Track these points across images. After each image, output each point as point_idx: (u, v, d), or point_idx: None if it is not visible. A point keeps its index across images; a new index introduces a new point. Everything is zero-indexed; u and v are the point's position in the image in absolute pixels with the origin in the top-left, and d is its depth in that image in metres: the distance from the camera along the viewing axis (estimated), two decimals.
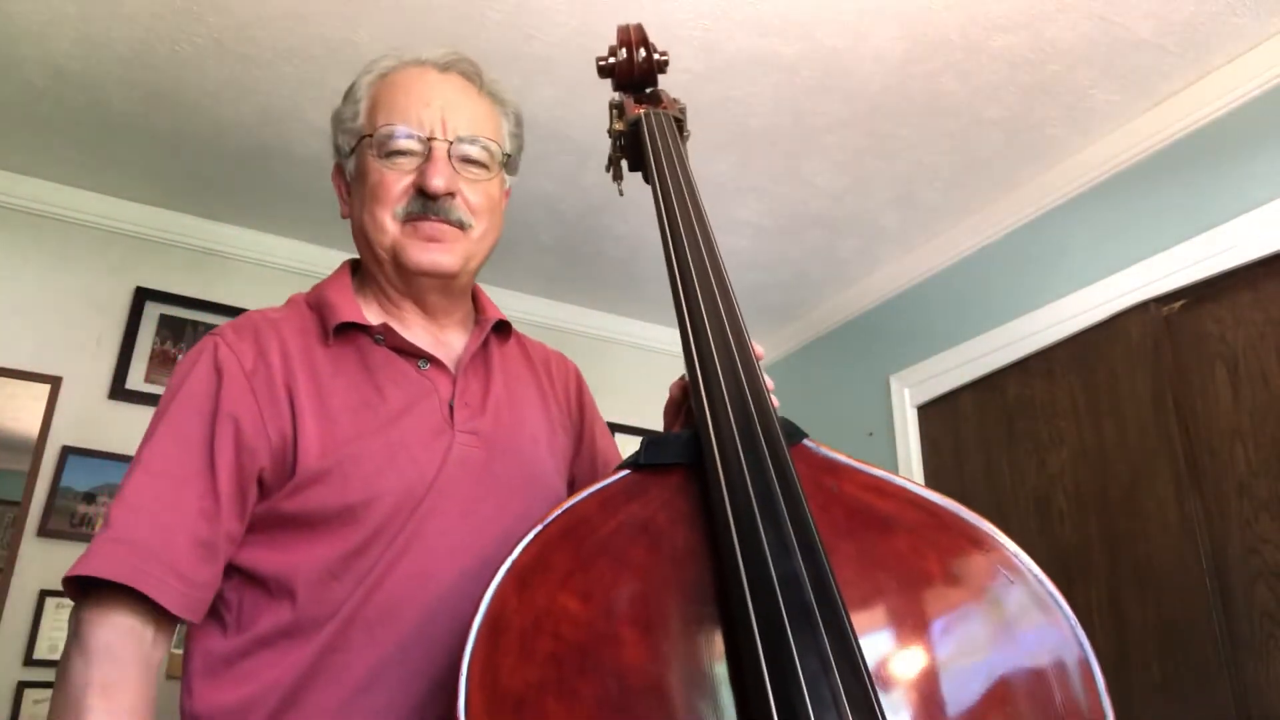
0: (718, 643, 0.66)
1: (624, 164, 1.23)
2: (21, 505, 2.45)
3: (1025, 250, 2.64)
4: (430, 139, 1.05)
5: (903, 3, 1.99)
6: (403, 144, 1.04)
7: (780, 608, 0.62)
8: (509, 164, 1.15)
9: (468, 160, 1.07)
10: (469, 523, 0.97)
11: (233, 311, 2.79)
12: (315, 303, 1.08)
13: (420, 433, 1.00)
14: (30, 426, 2.52)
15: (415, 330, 1.09)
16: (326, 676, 0.89)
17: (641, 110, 1.18)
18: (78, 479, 2.52)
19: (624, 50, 1.25)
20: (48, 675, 2.32)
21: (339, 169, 1.14)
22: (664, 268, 0.99)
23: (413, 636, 0.91)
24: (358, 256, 1.14)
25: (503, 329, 1.17)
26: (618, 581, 0.69)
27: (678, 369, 0.92)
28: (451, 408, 1.03)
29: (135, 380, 2.69)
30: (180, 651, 1.01)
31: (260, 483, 0.95)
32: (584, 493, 0.75)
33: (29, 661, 2.36)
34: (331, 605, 0.91)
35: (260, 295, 2.82)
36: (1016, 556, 0.74)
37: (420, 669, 0.90)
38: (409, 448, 0.98)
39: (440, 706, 0.88)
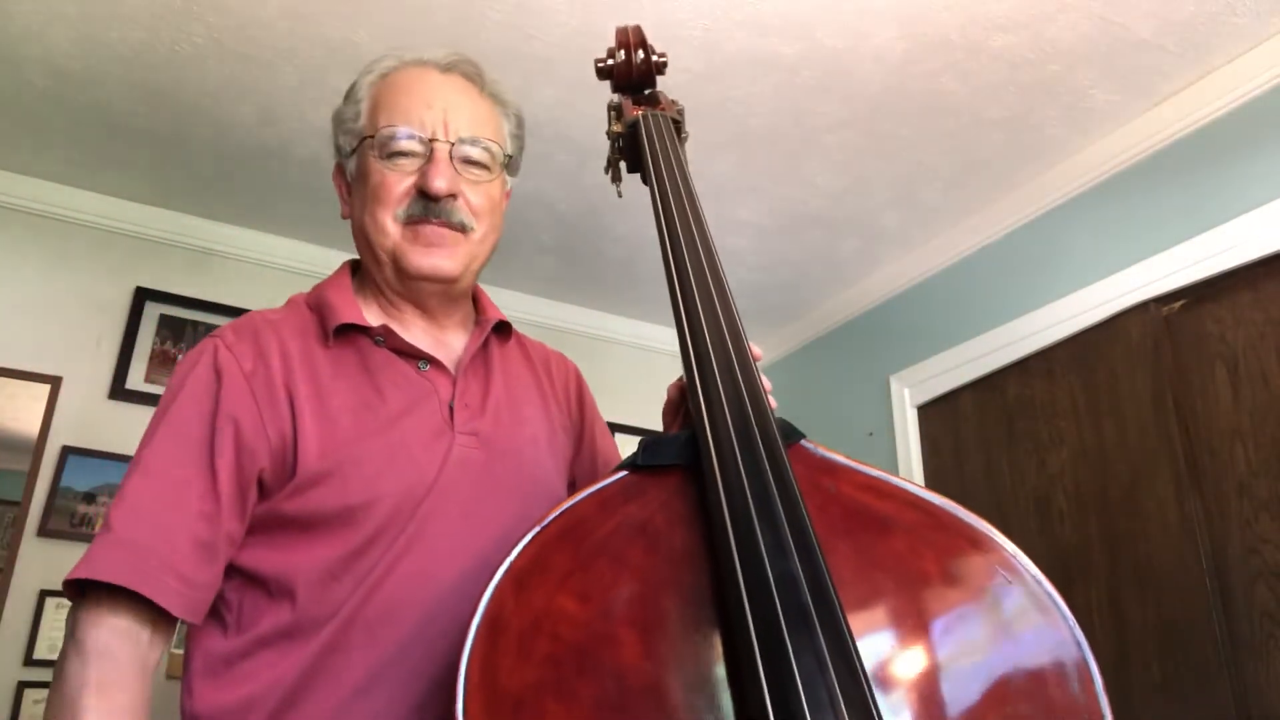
0: (715, 643, 0.66)
1: (622, 166, 1.23)
2: (21, 505, 2.46)
3: (1025, 250, 2.64)
4: (432, 140, 1.05)
5: (903, 3, 1.99)
6: (404, 145, 1.04)
7: (777, 608, 0.63)
8: (510, 165, 1.15)
9: (469, 162, 1.07)
10: (469, 524, 0.97)
11: (233, 311, 2.79)
12: (315, 304, 1.08)
13: (420, 434, 1.00)
14: (30, 426, 2.52)
15: (415, 331, 1.09)
16: (326, 677, 0.89)
17: (640, 112, 1.18)
18: (78, 479, 2.52)
19: (622, 52, 1.25)
20: (48, 675, 2.32)
21: (340, 169, 1.14)
22: (664, 268, 0.99)
23: (412, 637, 0.91)
24: (358, 257, 1.14)
25: (503, 329, 1.17)
26: (616, 582, 0.69)
27: (677, 369, 0.92)
28: (451, 409, 1.03)
29: (135, 380, 2.69)
30: (181, 651, 1.01)
31: (260, 484, 0.95)
32: (582, 494, 0.75)
33: (29, 661, 2.36)
34: (331, 606, 0.91)
35: (260, 295, 2.82)
36: (1014, 557, 0.74)
37: (420, 669, 0.90)
38: (409, 449, 0.98)
39: (440, 707, 0.88)
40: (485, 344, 1.13)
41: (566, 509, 0.74)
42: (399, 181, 1.04)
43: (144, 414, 0.99)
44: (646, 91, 1.26)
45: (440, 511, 0.97)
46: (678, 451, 0.78)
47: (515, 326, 1.22)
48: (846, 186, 2.64)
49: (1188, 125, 2.23)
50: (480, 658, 0.63)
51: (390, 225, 1.04)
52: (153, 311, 2.78)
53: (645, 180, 1.12)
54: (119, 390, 2.66)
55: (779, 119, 2.37)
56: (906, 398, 2.94)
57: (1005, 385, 2.62)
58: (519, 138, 1.17)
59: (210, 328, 2.72)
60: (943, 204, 2.70)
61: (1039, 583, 0.73)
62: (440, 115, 1.06)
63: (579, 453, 1.22)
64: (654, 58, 1.25)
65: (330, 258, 2.93)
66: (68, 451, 2.54)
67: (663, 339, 3.54)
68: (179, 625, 0.91)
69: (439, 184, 1.03)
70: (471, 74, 1.11)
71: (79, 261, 2.74)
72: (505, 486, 1.02)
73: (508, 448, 1.05)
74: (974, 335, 2.72)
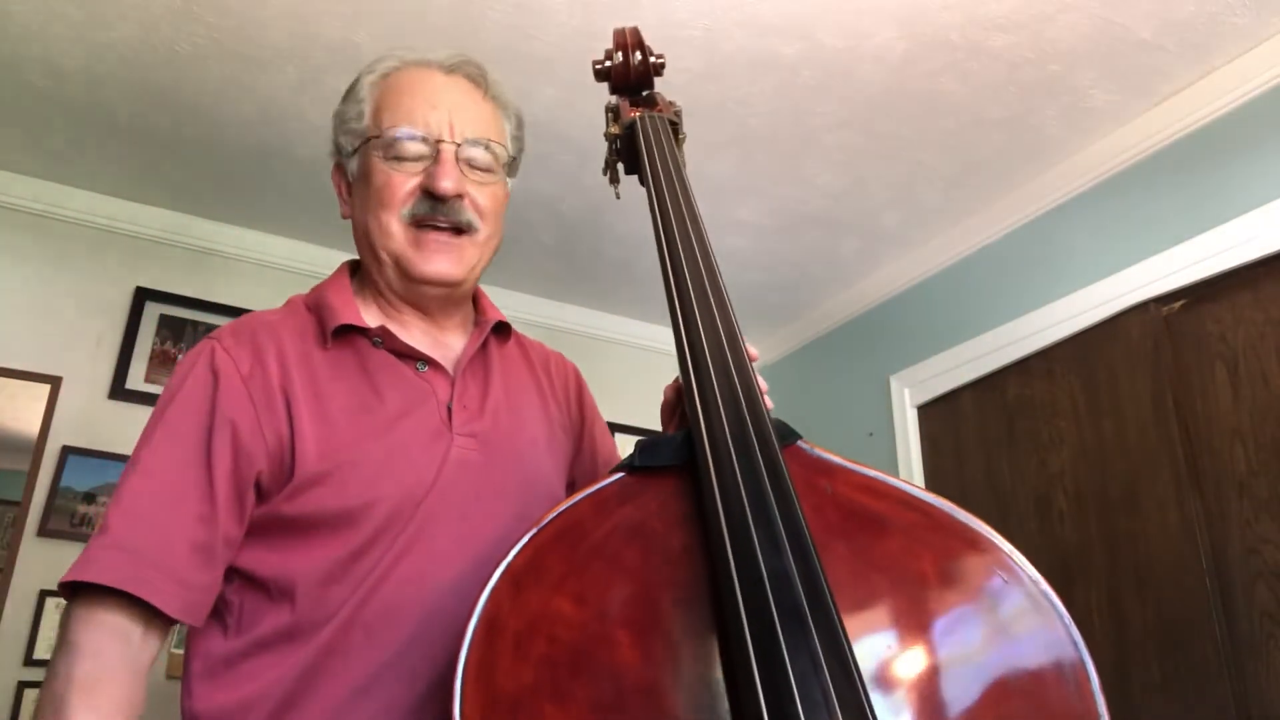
0: (711, 644, 0.66)
1: (620, 167, 1.23)
2: (21, 505, 2.46)
3: (1025, 250, 2.64)
4: (438, 141, 1.05)
5: (903, 3, 1.99)
6: (410, 146, 1.04)
7: (771, 608, 0.63)
8: (511, 166, 1.15)
9: (474, 163, 1.07)
10: (467, 525, 0.97)
11: (233, 311, 2.79)
12: (314, 305, 1.08)
13: (419, 436, 1.00)
14: (30, 426, 2.52)
15: (414, 332, 1.09)
16: (325, 678, 0.89)
17: (637, 114, 1.18)
18: (78, 479, 2.53)
19: (620, 54, 1.25)
20: None
21: (339, 168, 1.13)
22: (660, 269, 0.99)
23: (411, 639, 0.91)
24: (357, 257, 1.14)
25: (502, 330, 1.17)
26: (612, 584, 0.70)
27: (677, 370, 0.92)
28: (450, 410, 1.03)
29: (135, 380, 2.69)
30: (181, 652, 1.01)
31: (258, 487, 0.95)
32: (578, 496, 0.75)
33: (29, 661, 2.36)
34: (331, 607, 0.91)
35: (260, 295, 2.83)
36: (1011, 557, 0.74)
37: (418, 671, 0.90)
38: (408, 451, 0.98)
39: (438, 708, 0.88)
40: (484, 345, 1.13)
41: (563, 511, 0.74)
42: (404, 182, 1.04)
43: (144, 414, 0.99)
44: (644, 93, 1.26)
45: (439, 513, 0.97)
46: (674, 453, 0.78)
47: (515, 326, 1.22)
48: (846, 186, 2.64)
49: (1188, 125, 2.23)
50: (477, 659, 0.63)
51: (395, 226, 1.04)
52: (153, 311, 2.79)
53: (642, 182, 1.12)
54: (119, 390, 2.66)
55: (779, 119, 2.37)
56: (906, 398, 2.94)
57: (1005, 385, 2.62)
58: (519, 139, 1.17)
59: (210, 327, 2.72)
60: (942, 204, 2.70)
61: (1036, 583, 0.72)
62: (446, 116, 1.06)
63: (579, 453, 1.22)
64: (651, 59, 1.25)
65: (330, 258, 2.93)
66: (68, 451, 2.54)
67: (662, 339, 3.54)
68: (179, 625, 0.91)
69: (446, 185, 1.03)
70: (475, 76, 1.12)
71: (79, 261, 2.74)
72: (504, 488, 1.02)
73: (506, 449, 1.05)
74: (974, 335, 2.72)
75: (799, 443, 0.82)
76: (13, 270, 2.66)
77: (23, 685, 2.34)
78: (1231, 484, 2.02)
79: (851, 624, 0.66)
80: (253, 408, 0.96)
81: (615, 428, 3.05)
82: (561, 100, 2.31)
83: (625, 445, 1.13)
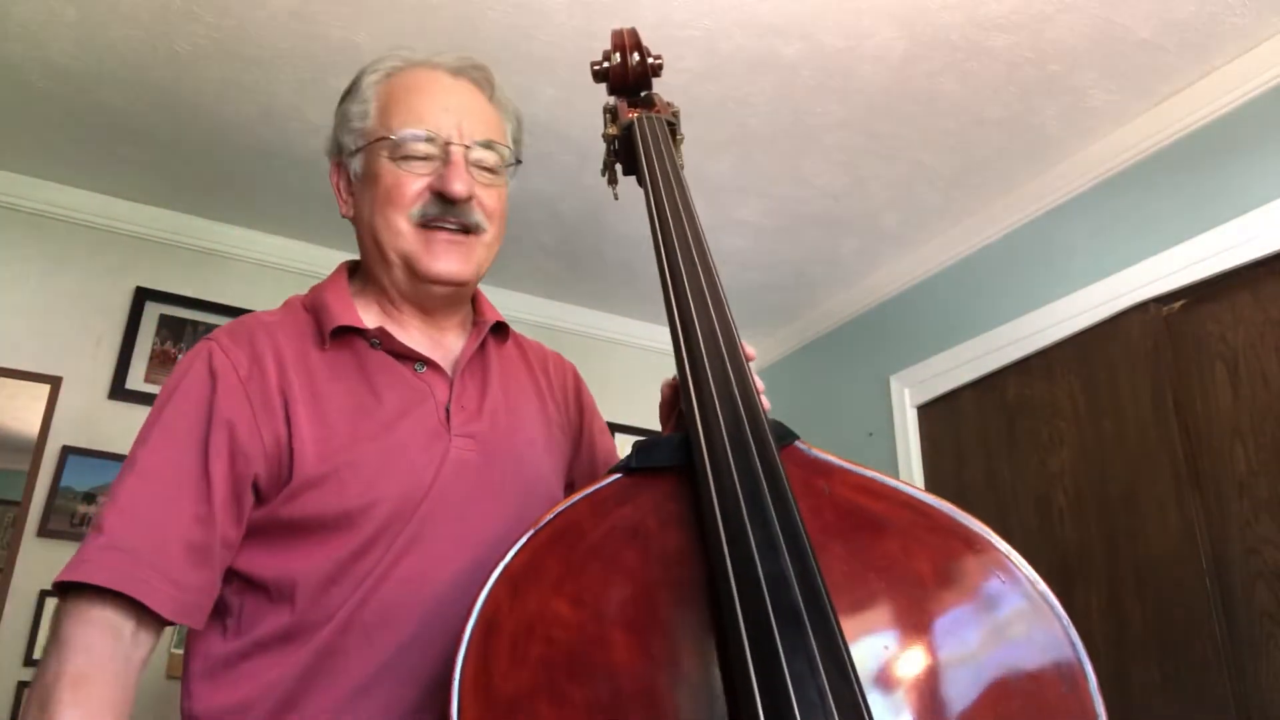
0: (709, 645, 0.66)
1: (618, 168, 1.23)
2: (21, 505, 2.46)
3: (1025, 250, 2.64)
4: (448, 143, 1.05)
5: (903, 3, 1.99)
6: (420, 148, 1.04)
7: (768, 609, 0.62)
8: (512, 168, 1.15)
9: (482, 165, 1.07)
10: (466, 527, 0.97)
11: (232, 311, 2.79)
12: (312, 305, 1.08)
13: (417, 437, 1.00)
14: (30, 426, 2.52)
15: (412, 333, 1.09)
16: (324, 679, 0.90)
17: (635, 115, 1.18)
18: (78, 479, 2.53)
19: (618, 54, 1.25)
20: None
21: (338, 167, 1.13)
22: (657, 270, 0.99)
23: (410, 640, 0.91)
24: (356, 257, 1.14)
25: (500, 330, 1.17)
26: (609, 585, 0.70)
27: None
28: (448, 411, 1.03)
29: (135, 380, 2.70)
30: (181, 652, 1.01)
31: (255, 488, 0.95)
32: (576, 497, 0.75)
33: (29, 661, 2.36)
34: (329, 609, 0.91)
35: (260, 295, 2.83)
36: (1009, 558, 0.74)
37: (417, 672, 0.91)
38: (406, 452, 0.98)
39: (436, 709, 0.89)
40: (483, 346, 1.13)
41: (561, 512, 0.74)
42: (413, 183, 1.04)
43: (144, 414, 0.99)
44: (642, 94, 1.26)
45: (437, 514, 0.97)
46: (671, 453, 0.78)
47: (515, 326, 1.22)
48: (846, 186, 2.63)
49: (1187, 125, 2.23)
50: (475, 661, 0.63)
51: (404, 226, 1.04)
52: (153, 311, 2.79)
53: (640, 183, 1.12)
54: (119, 390, 2.66)
55: (779, 119, 2.37)
56: (906, 398, 2.93)
57: (1005, 385, 2.62)
58: (519, 141, 1.18)
59: (210, 327, 2.72)
60: (942, 204, 2.70)
61: (1034, 584, 0.72)
62: (455, 119, 1.06)
63: (577, 453, 1.22)
64: (649, 60, 1.25)
65: (330, 258, 2.93)
66: (68, 451, 2.54)
67: (663, 339, 3.51)
68: (180, 626, 0.91)
69: (458, 187, 1.03)
70: (479, 80, 1.12)
71: (79, 261, 2.75)
72: (502, 489, 1.02)
73: (505, 450, 1.05)
74: (974, 335, 2.71)
75: (797, 443, 0.82)
76: (13, 270, 2.66)
77: (22, 685, 2.34)
78: (1231, 484, 2.01)
79: (849, 625, 0.66)
80: (250, 409, 0.96)
81: (615, 428, 3.05)
82: (561, 100, 2.31)
83: (625, 445, 1.12)
